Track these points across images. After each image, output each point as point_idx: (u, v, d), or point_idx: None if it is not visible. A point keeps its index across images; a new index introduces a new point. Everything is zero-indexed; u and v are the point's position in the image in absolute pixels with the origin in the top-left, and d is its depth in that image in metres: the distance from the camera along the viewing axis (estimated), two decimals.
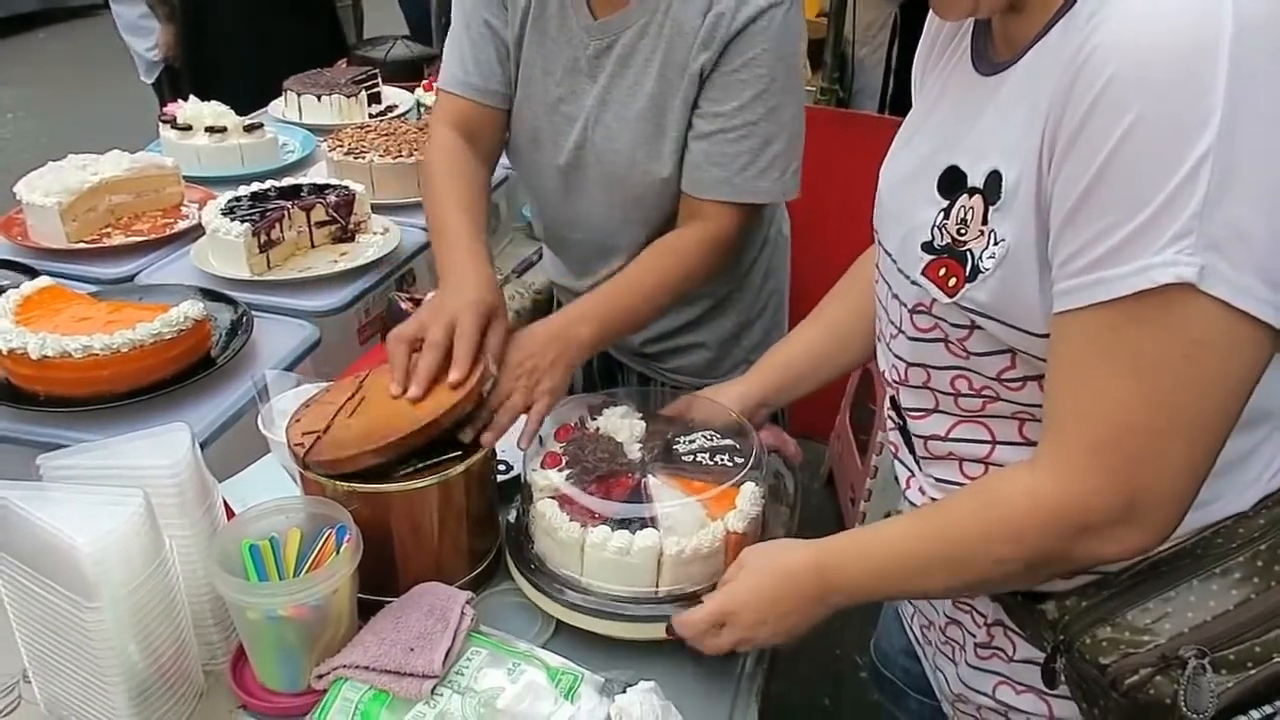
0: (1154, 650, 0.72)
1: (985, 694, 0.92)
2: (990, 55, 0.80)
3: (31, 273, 1.42)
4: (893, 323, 0.89)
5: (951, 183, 0.78)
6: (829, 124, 2.53)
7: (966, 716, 0.97)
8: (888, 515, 2.47)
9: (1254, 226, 0.61)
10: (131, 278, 1.45)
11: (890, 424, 0.96)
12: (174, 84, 3.10)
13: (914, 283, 0.82)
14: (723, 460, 1.02)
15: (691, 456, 1.03)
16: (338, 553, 0.90)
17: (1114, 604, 0.76)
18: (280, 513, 0.94)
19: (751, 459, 1.02)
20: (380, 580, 0.97)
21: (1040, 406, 0.78)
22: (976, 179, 0.76)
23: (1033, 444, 0.81)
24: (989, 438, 0.84)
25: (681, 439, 1.05)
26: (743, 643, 0.91)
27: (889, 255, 0.88)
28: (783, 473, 1.16)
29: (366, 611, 0.95)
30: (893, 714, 1.29)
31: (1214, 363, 0.65)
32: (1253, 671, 0.70)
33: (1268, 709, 0.71)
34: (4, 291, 1.35)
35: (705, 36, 1.17)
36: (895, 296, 0.87)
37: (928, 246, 0.80)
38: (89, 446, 0.90)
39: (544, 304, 1.82)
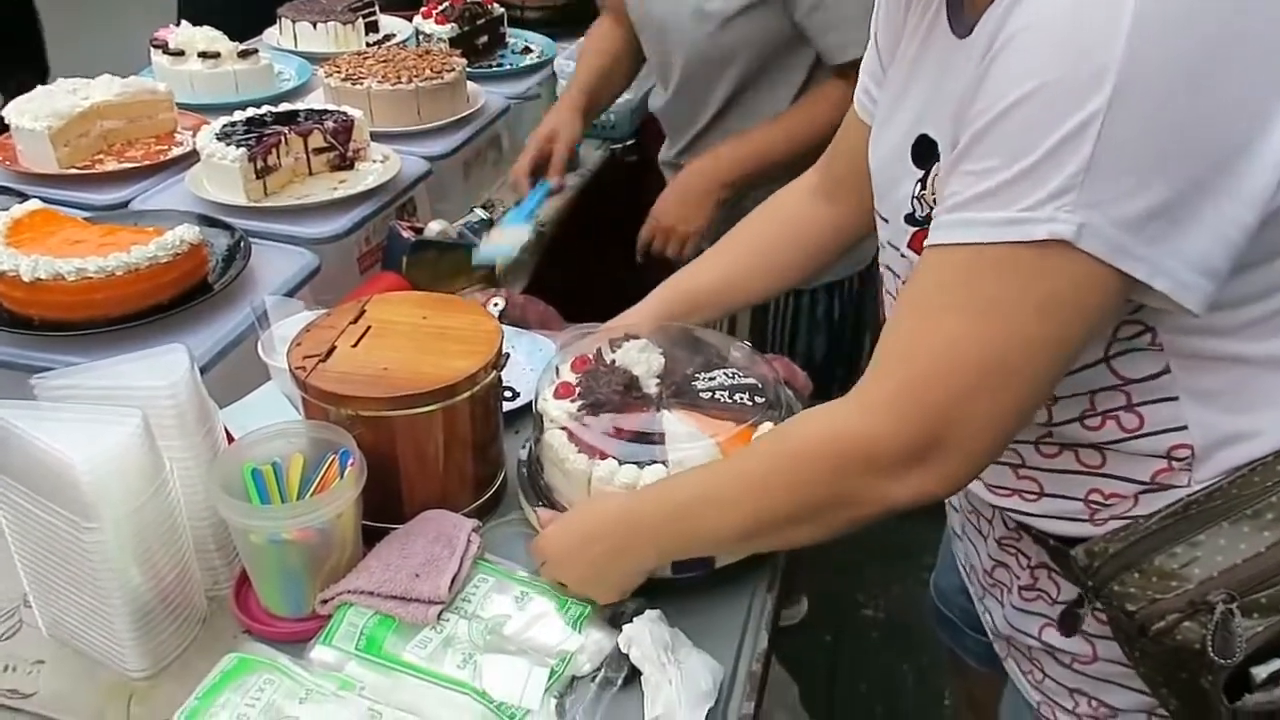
0: (1182, 595, 0.70)
1: (1032, 635, 0.91)
2: (964, 14, 0.76)
3: (22, 198, 1.38)
4: (889, 294, 0.88)
5: (924, 152, 0.77)
6: None
7: (1018, 655, 0.96)
8: None
9: (1137, 189, 0.60)
10: (125, 204, 1.41)
11: None
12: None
13: (903, 255, 0.81)
14: (742, 399, 1.00)
15: (710, 394, 1.00)
16: (341, 477, 0.88)
17: (1142, 548, 0.74)
18: (282, 437, 0.92)
19: (771, 398, 1.00)
20: (384, 507, 0.96)
21: None
22: (945, 147, 0.73)
23: (1036, 423, 0.79)
24: None
25: (702, 375, 1.03)
26: (560, 580, 0.89)
27: (885, 222, 0.87)
28: (793, 406, 1.15)
29: (371, 539, 0.94)
30: (951, 650, 1.31)
31: (1065, 318, 0.64)
32: None
33: (1276, 663, 0.69)
34: None
35: None
36: (888, 268, 0.86)
37: (910, 219, 0.79)
38: (85, 367, 0.88)
39: (547, 239, 1.79)
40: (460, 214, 1.72)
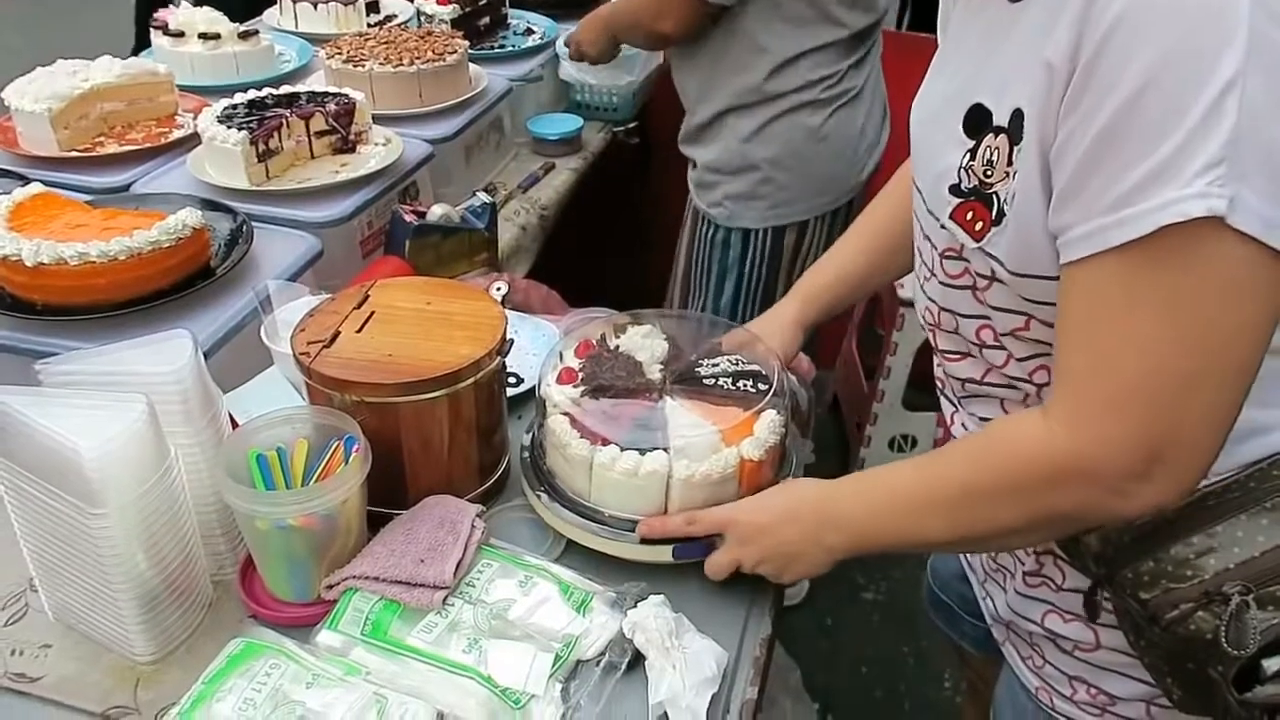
0: (1197, 585, 0.71)
1: (1034, 621, 0.92)
2: None
3: (22, 180, 1.37)
4: (925, 264, 0.86)
5: (977, 122, 0.74)
6: None
7: (1017, 640, 0.97)
8: (892, 441, 2.49)
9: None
10: (126, 187, 1.41)
11: (936, 356, 0.93)
12: None
13: (943, 226, 0.79)
14: (745, 386, 0.99)
15: (714, 380, 1.00)
16: (346, 463, 0.88)
17: (1158, 538, 0.73)
18: (287, 423, 0.92)
19: (774, 386, 0.99)
20: (389, 493, 0.96)
21: (1052, 363, 0.75)
22: (1001, 117, 0.72)
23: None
24: (1024, 382, 0.81)
25: (705, 362, 1.02)
26: (740, 559, 0.89)
27: (920, 193, 0.85)
28: (796, 390, 1.14)
29: (375, 524, 0.94)
30: (947, 635, 1.32)
31: (1245, 301, 0.62)
32: None
33: None
34: None
35: None
36: (927, 238, 0.84)
37: (955, 189, 0.77)
38: (89, 353, 0.87)
39: (550, 222, 1.78)
40: (462, 197, 1.72)
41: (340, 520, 0.88)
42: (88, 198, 1.31)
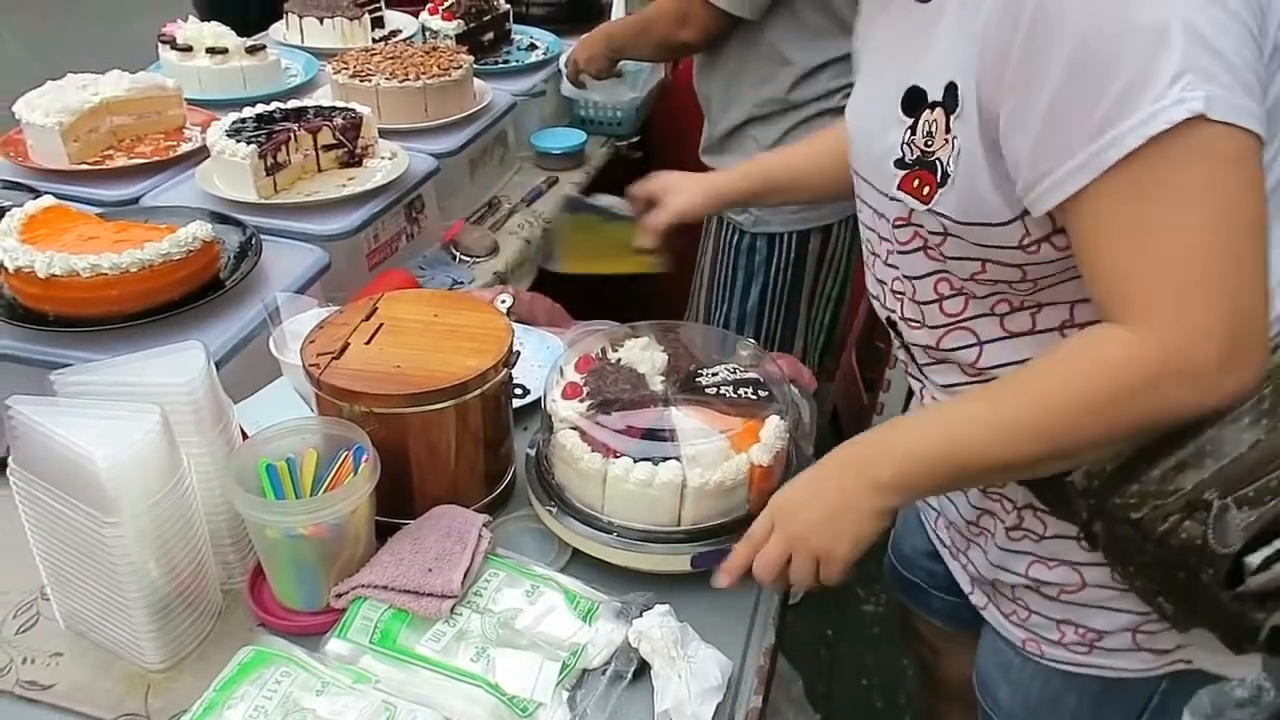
0: (1180, 497, 0.75)
1: (1018, 573, 0.96)
2: None
3: (33, 193, 1.39)
4: (883, 240, 0.93)
5: (913, 101, 0.82)
6: None
7: (999, 598, 1.01)
8: None
9: (1230, 51, 0.66)
10: (136, 200, 1.42)
11: (896, 344, 1.00)
12: None
13: (893, 199, 0.86)
14: (746, 393, 1.01)
15: (715, 389, 1.01)
16: (355, 473, 0.89)
17: (1137, 462, 0.77)
18: (297, 433, 0.93)
19: (776, 392, 1.01)
20: (397, 502, 0.97)
21: (1013, 304, 0.83)
22: (935, 94, 0.80)
23: (1015, 335, 0.85)
24: (975, 340, 0.88)
25: (704, 371, 1.04)
26: (788, 540, 0.85)
27: (866, 182, 0.93)
28: (798, 401, 1.16)
29: (383, 534, 0.95)
30: (917, 615, 1.35)
31: (1244, 172, 0.69)
32: (1271, 503, 0.73)
33: (1267, 550, 0.73)
34: (6, 211, 1.34)
35: None
36: (879, 214, 0.91)
37: (899, 163, 0.85)
38: (103, 364, 0.89)
39: (553, 235, 1.80)
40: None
41: (349, 529, 0.90)
42: (97, 210, 1.32)
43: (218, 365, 1.09)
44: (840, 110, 1.65)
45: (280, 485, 0.90)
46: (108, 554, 0.81)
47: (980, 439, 0.79)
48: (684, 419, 0.98)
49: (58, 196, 1.32)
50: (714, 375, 1.05)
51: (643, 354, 1.07)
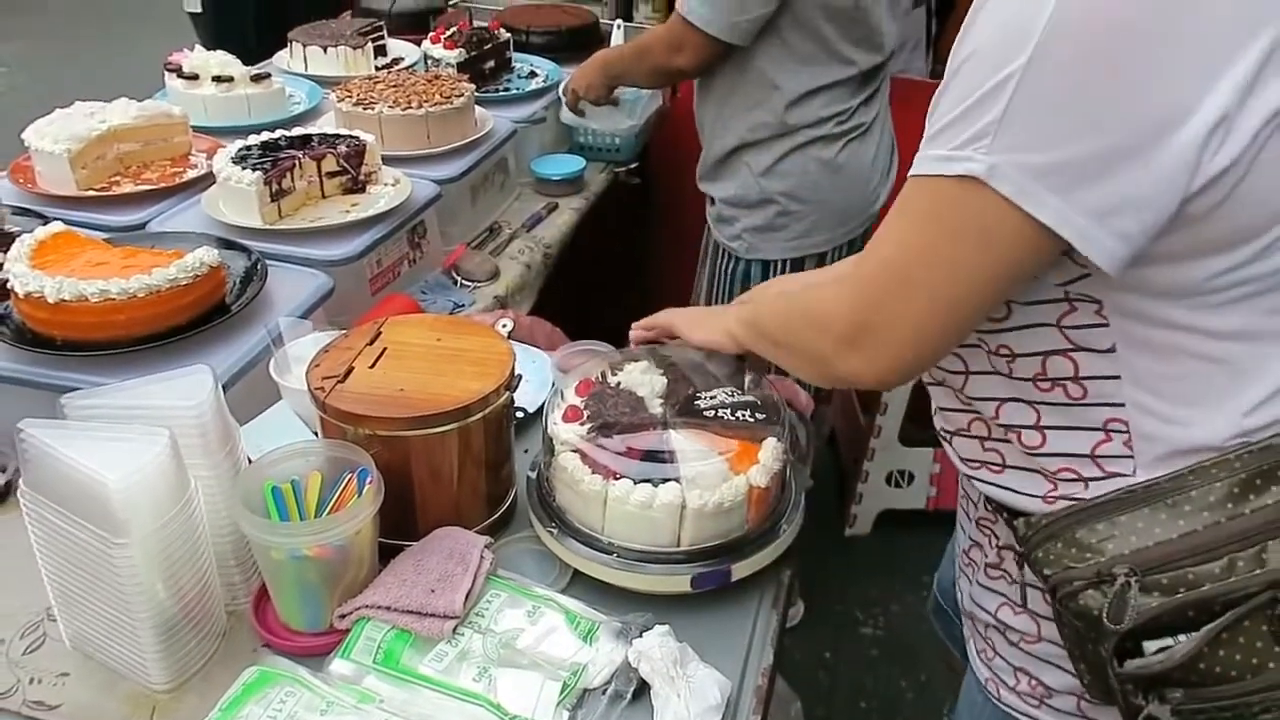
0: (1092, 566, 0.78)
1: (989, 612, 0.97)
2: None
3: (42, 219, 1.41)
4: None
5: None
6: None
7: (975, 633, 1.03)
8: (889, 476, 2.50)
9: (1047, 142, 0.69)
10: (143, 225, 1.44)
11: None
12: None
13: None
14: (744, 416, 1.03)
15: (713, 411, 1.03)
16: (360, 495, 0.91)
17: (1069, 523, 0.81)
18: (301, 456, 0.95)
19: (774, 415, 1.03)
20: (399, 524, 0.98)
21: (988, 336, 0.86)
22: None
23: (999, 373, 0.87)
24: (963, 368, 0.90)
25: (703, 395, 1.06)
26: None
27: None
28: (795, 425, 1.17)
29: (386, 555, 0.97)
30: (941, 641, 1.36)
31: (988, 247, 0.74)
32: (1180, 594, 0.74)
33: (1168, 640, 0.75)
34: (14, 237, 1.36)
35: None
36: None
37: None
38: (112, 388, 0.91)
39: (554, 261, 1.82)
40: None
41: (353, 551, 0.91)
42: (105, 235, 1.34)
43: (224, 388, 1.10)
44: (834, 137, 1.70)
45: (285, 507, 0.92)
46: (116, 575, 0.82)
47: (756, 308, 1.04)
48: (683, 441, 1.00)
49: (66, 222, 1.34)
50: (712, 398, 1.07)
51: (642, 378, 1.09)
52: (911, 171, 0.77)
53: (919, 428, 2.28)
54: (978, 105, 0.70)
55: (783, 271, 1.80)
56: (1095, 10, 0.67)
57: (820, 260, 1.79)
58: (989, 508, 0.95)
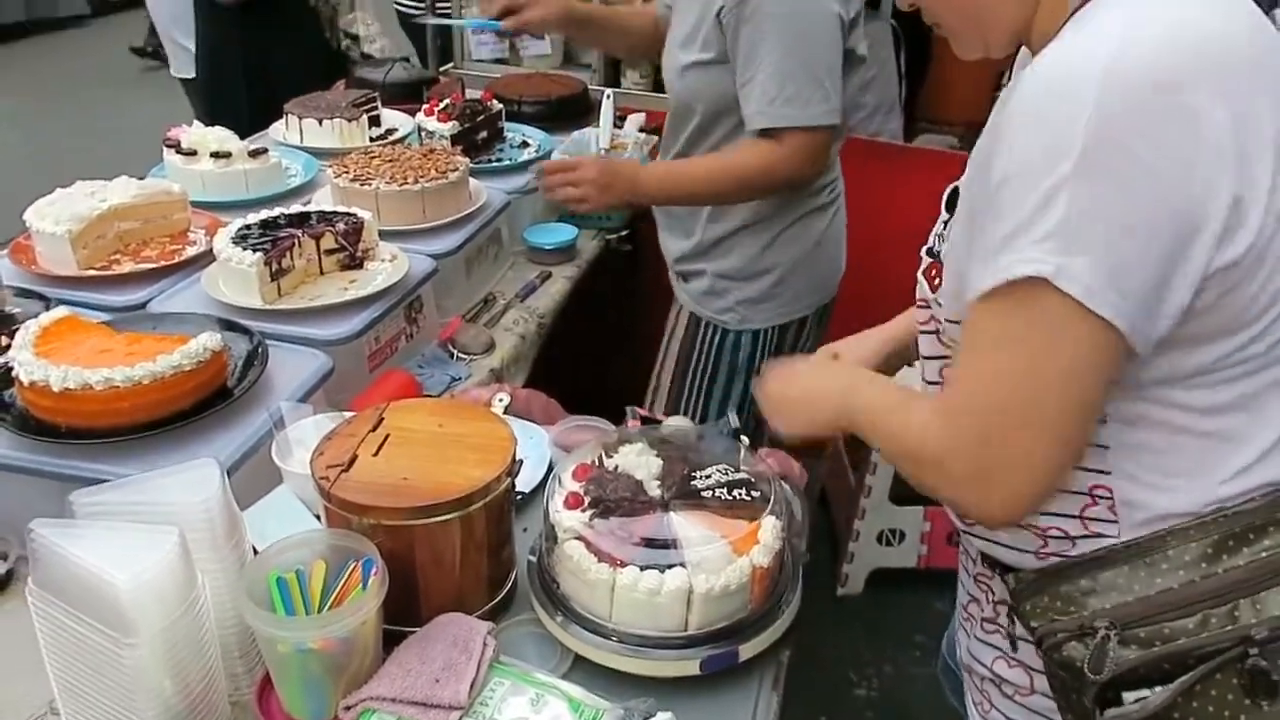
0: (1075, 619, 0.82)
1: (985, 665, 1.01)
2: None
3: (42, 299, 1.43)
4: (919, 321, 1.01)
5: (951, 200, 0.93)
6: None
7: (972, 686, 1.06)
8: (880, 535, 2.50)
9: (1109, 243, 0.72)
10: (143, 305, 1.46)
11: None
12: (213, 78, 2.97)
13: (919, 281, 0.96)
14: (740, 495, 1.05)
15: (710, 491, 1.05)
16: (364, 584, 0.92)
17: (1056, 578, 0.85)
18: (306, 545, 0.96)
19: (769, 491, 1.05)
20: (402, 610, 0.99)
21: None
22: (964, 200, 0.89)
23: None
24: None
25: (699, 474, 1.08)
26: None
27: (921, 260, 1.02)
28: (790, 499, 1.19)
29: (389, 641, 0.97)
30: (946, 700, 1.38)
31: (1065, 350, 0.76)
32: (1157, 648, 0.78)
33: (1145, 692, 0.78)
34: (15, 319, 1.37)
35: None
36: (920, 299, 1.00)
37: (929, 251, 0.95)
38: (119, 483, 0.92)
39: (548, 329, 1.85)
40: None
41: (358, 642, 0.92)
42: (107, 317, 1.36)
43: (227, 474, 1.12)
44: (825, 207, 1.73)
45: (290, 597, 0.93)
46: (123, 674, 0.83)
47: (877, 429, 0.97)
48: (685, 525, 1.01)
49: (67, 303, 1.37)
50: (708, 478, 1.09)
51: (638, 459, 1.11)
52: (977, 293, 0.78)
53: (909, 486, 2.30)
54: (1036, 211, 0.73)
55: (771, 339, 1.80)
56: (1132, 111, 0.71)
57: (801, 325, 1.81)
58: (985, 564, 0.98)
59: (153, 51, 6.39)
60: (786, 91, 1.53)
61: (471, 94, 2.30)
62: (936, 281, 0.92)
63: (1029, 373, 0.77)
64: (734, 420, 1.32)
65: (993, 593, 0.99)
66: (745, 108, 1.58)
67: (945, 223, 0.93)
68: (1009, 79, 1.00)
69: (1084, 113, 0.71)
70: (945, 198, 0.94)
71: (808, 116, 1.55)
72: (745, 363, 1.80)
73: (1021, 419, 0.78)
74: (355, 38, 3.07)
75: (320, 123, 2.15)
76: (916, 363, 1.06)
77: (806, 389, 1.07)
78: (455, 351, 1.64)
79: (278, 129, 2.22)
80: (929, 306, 0.95)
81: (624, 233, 2.21)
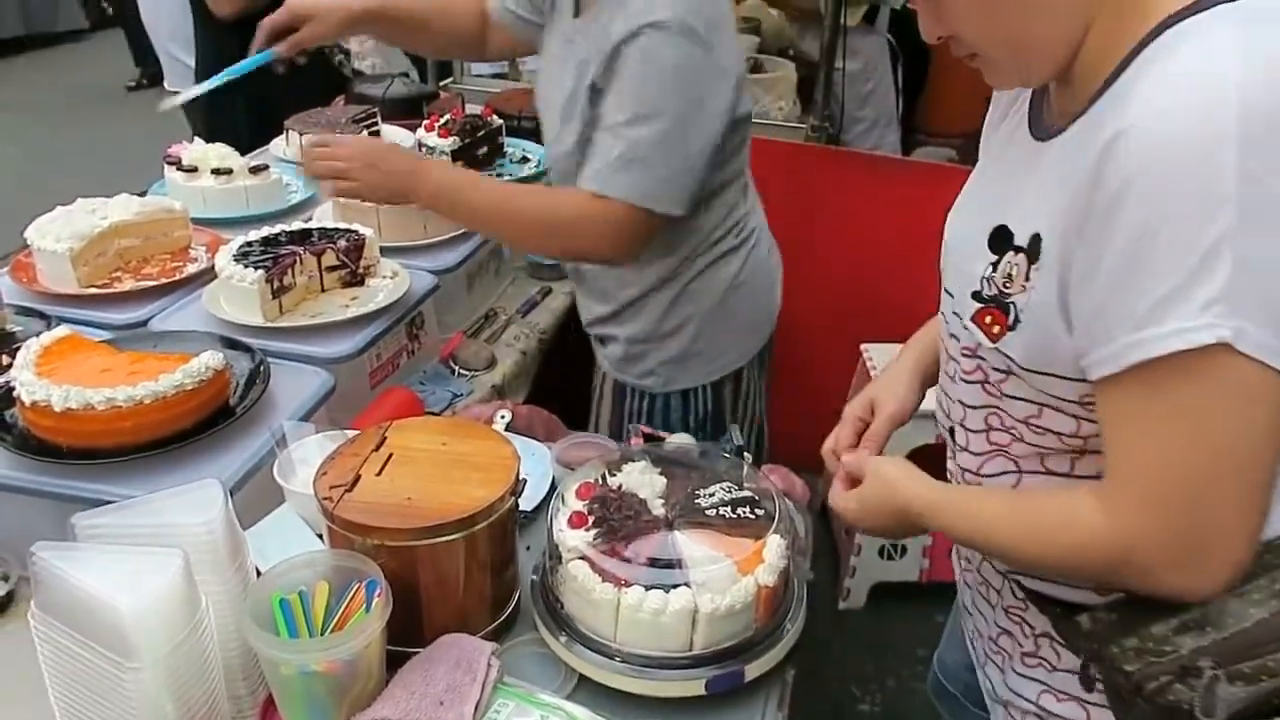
0: (1175, 660, 0.78)
1: (1029, 700, 0.97)
2: (1045, 120, 0.88)
3: (43, 317, 1.43)
4: (952, 359, 0.97)
5: (1000, 240, 0.87)
6: (820, 161, 2.58)
7: None
8: (881, 549, 2.49)
9: (1275, 290, 0.69)
10: (144, 323, 1.46)
11: (949, 452, 1.03)
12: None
13: (965, 327, 0.91)
14: (744, 513, 1.05)
15: (714, 510, 1.05)
16: (367, 606, 0.91)
17: (1142, 617, 0.81)
18: (309, 566, 0.96)
19: (772, 508, 1.05)
20: (406, 631, 0.99)
21: (1060, 449, 0.86)
22: (1022, 239, 0.84)
23: (1054, 474, 0.88)
24: (1015, 469, 0.91)
25: (702, 492, 1.08)
26: (849, 522, 1.02)
27: (949, 294, 0.97)
28: (794, 516, 1.19)
29: (392, 662, 0.97)
30: None
31: (1257, 411, 0.72)
32: (1264, 682, 0.75)
33: None
34: (16, 337, 1.37)
35: (602, 46, 1.35)
36: (954, 337, 0.96)
37: (977, 295, 0.89)
38: (122, 505, 0.91)
39: (549, 345, 1.85)
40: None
41: (362, 664, 0.91)
42: (108, 335, 1.36)
43: (230, 493, 1.11)
44: (735, 249, 1.52)
45: (293, 619, 0.92)
46: (127, 698, 0.82)
47: (993, 549, 0.92)
48: (689, 544, 1.01)
49: (67, 321, 1.36)
50: (711, 496, 1.09)
51: (641, 478, 1.10)
52: (1124, 363, 0.73)
53: None
54: (1198, 272, 0.69)
55: (704, 399, 1.60)
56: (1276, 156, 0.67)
57: (737, 376, 1.62)
58: (1018, 595, 0.96)
59: (141, 84, 6.45)
60: (636, 160, 1.33)
61: (472, 109, 2.31)
62: (996, 330, 0.86)
63: (1222, 440, 0.73)
64: (737, 437, 1.32)
65: (1029, 625, 0.97)
66: (587, 162, 1.38)
67: (994, 265, 0.87)
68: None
69: (1227, 149, 0.67)
70: (990, 237, 0.87)
71: (648, 197, 1.35)
72: (679, 424, 1.61)
73: (1225, 489, 0.74)
74: (347, 53, 3.08)
75: None
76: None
77: (884, 528, 1.00)
78: (457, 368, 1.64)
79: (278, 145, 2.22)
80: (975, 355, 0.91)
81: None
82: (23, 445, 1.14)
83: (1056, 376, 0.82)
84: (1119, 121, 0.72)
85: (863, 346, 2.45)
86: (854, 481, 1.01)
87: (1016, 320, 0.84)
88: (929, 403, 1.10)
